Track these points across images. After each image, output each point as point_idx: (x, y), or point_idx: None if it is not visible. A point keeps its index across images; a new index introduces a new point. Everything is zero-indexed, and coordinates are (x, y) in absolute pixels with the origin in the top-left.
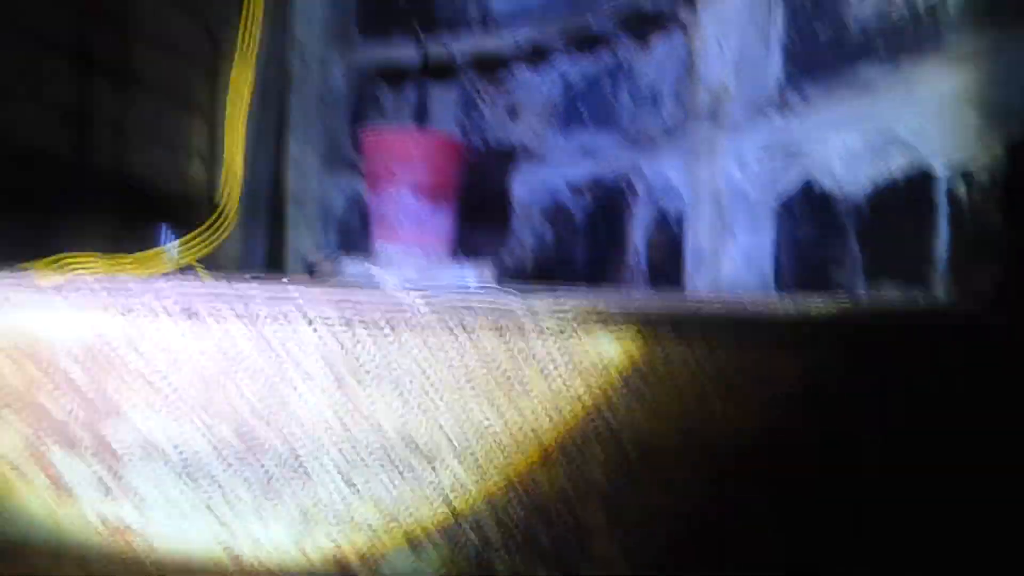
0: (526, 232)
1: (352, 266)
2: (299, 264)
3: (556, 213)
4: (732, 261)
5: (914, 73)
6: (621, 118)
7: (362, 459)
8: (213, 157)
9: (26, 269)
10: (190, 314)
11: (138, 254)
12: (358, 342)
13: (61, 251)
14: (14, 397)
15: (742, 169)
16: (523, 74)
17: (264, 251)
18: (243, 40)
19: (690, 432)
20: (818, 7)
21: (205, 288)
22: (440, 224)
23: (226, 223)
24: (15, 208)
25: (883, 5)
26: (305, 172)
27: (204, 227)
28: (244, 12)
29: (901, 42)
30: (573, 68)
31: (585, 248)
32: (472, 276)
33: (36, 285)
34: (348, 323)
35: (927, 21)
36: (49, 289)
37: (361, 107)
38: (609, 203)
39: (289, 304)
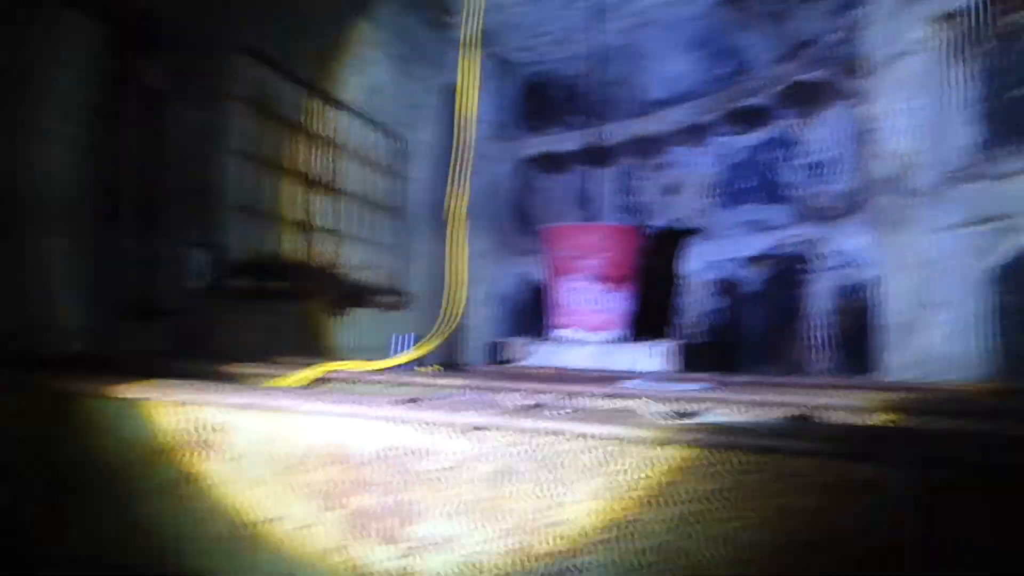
0: (697, 307)
1: (533, 346)
2: (476, 341)
3: (726, 287)
4: (933, 334)
5: None
6: (790, 190)
7: (624, 565)
8: (398, 249)
9: (305, 372)
10: (475, 427)
11: (383, 361)
12: (620, 457)
13: (294, 334)
14: (327, 492)
15: (940, 238)
16: (683, 153)
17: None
18: (455, 171)
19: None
20: (1009, 65)
21: (487, 405)
22: (618, 307)
23: (451, 324)
24: (263, 301)
25: None
26: (476, 255)
27: (434, 331)
28: (455, 153)
29: None
30: (734, 144)
31: (758, 320)
32: (655, 356)
33: (343, 399)
34: (613, 439)
35: None
36: (355, 403)
37: (526, 194)
38: (783, 275)
39: (560, 422)
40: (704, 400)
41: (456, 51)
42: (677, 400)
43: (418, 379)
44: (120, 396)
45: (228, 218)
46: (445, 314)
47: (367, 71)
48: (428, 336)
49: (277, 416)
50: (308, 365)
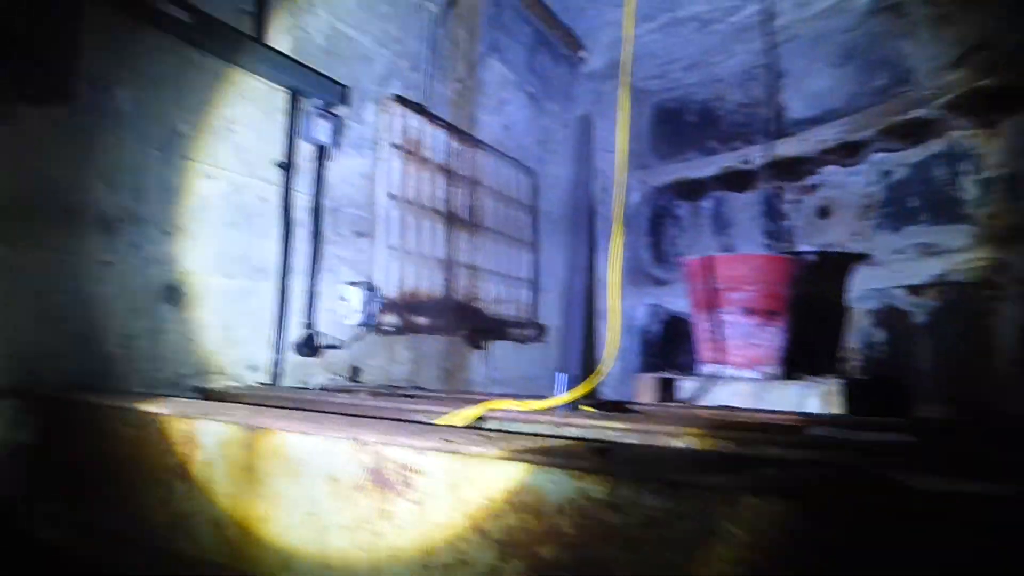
0: (857, 341)
1: (681, 381)
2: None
3: (890, 318)
4: None
5: None
6: (966, 209)
7: None
8: (532, 283)
9: (473, 411)
10: (670, 483)
11: (541, 400)
12: (811, 517)
13: (436, 366)
14: (514, 540)
15: None
16: (834, 173)
17: (578, 361)
18: (617, 210)
19: None
20: None
21: (678, 457)
22: (771, 342)
23: (608, 365)
24: (410, 335)
25: None
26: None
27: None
28: (617, 194)
29: None
30: (895, 160)
31: (929, 355)
32: (815, 396)
33: (531, 445)
34: (802, 498)
35: None
36: (544, 452)
37: (659, 222)
38: (958, 304)
39: (770, 482)
40: (915, 453)
41: (586, 84)
42: (883, 454)
43: (582, 421)
44: (304, 432)
45: (380, 256)
46: (604, 355)
47: (502, 109)
48: (588, 378)
49: (463, 460)
50: (461, 400)
